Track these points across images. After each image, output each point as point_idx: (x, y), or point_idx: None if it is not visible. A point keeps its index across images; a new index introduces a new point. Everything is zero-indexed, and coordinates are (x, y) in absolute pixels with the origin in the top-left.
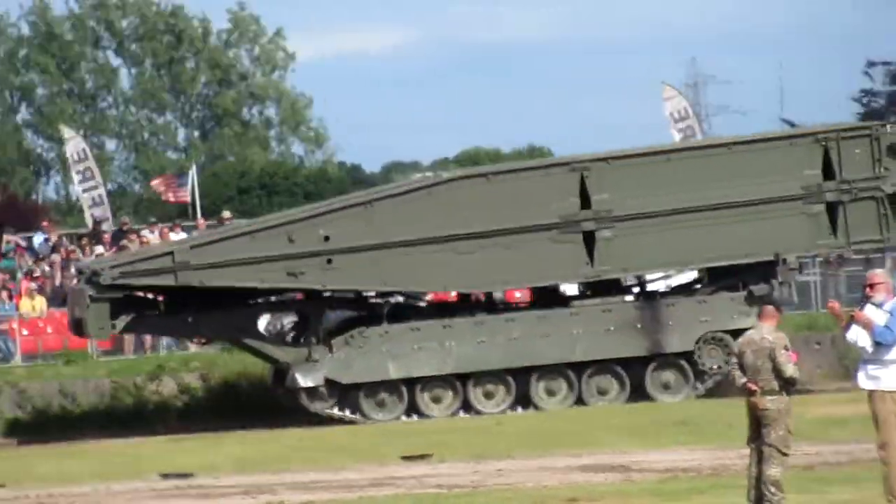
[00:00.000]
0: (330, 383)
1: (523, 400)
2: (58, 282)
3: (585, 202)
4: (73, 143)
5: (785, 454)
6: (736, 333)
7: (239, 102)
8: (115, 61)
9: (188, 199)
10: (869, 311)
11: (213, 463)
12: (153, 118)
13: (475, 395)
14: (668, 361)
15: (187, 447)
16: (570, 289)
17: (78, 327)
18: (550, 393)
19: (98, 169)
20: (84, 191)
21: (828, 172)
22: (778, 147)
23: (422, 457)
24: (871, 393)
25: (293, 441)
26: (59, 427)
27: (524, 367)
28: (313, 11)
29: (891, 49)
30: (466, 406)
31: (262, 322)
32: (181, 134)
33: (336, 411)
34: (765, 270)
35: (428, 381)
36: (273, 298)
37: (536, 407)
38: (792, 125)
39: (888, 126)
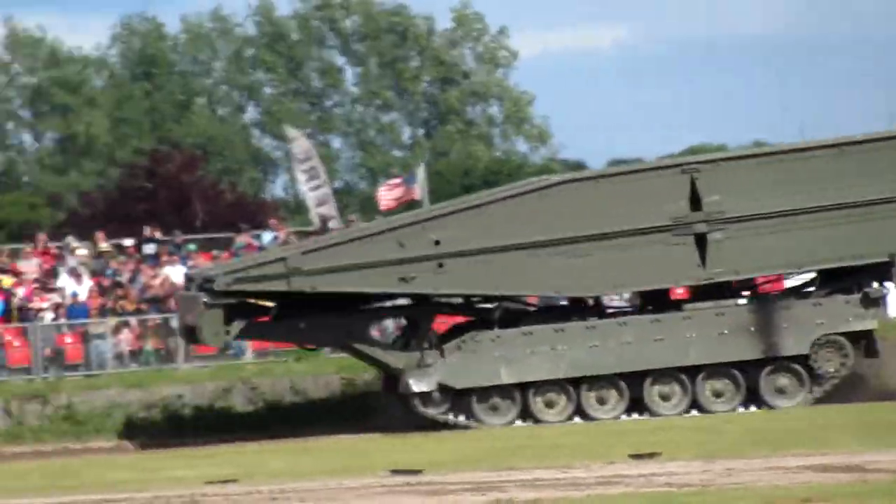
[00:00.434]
0: (443, 388)
1: (636, 404)
2: None
3: (696, 204)
4: (299, 143)
5: None
6: (851, 336)
7: (462, 100)
8: (340, 60)
9: (417, 196)
10: None
11: (441, 460)
12: (378, 116)
13: (588, 399)
14: (782, 365)
15: (415, 444)
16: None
17: (190, 334)
18: (664, 397)
19: (324, 167)
20: (310, 189)
21: None
22: (891, 146)
23: (650, 455)
24: None
25: (520, 438)
26: (290, 423)
27: (637, 372)
28: (537, 9)
29: None
30: (580, 411)
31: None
32: (406, 132)
33: (450, 417)
34: (879, 272)
35: (541, 386)
36: (383, 304)
37: (651, 412)
38: None
39: None
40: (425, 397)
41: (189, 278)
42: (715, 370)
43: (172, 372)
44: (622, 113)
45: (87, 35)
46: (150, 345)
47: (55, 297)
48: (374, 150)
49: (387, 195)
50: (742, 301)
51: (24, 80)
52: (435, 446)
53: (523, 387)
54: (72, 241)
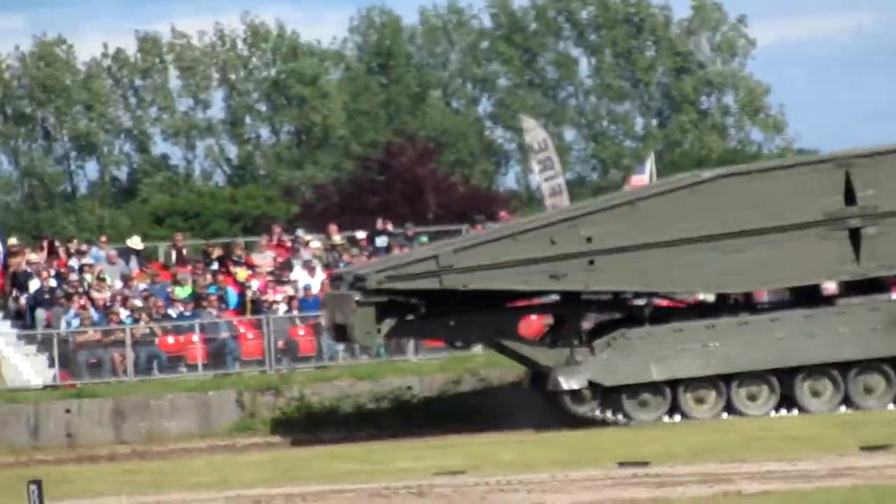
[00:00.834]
0: (592, 385)
1: (786, 401)
2: None
3: (850, 199)
4: (534, 133)
5: None
6: None
7: (697, 90)
8: (575, 51)
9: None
10: None
11: (670, 451)
12: (611, 107)
13: (738, 396)
14: None
15: (646, 435)
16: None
17: (340, 333)
18: (815, 394)
19: (558, 158)
20: (545, 180)
21: None
22: None
23: (881, 447)
24: None
25: (750, 431)
26: (520, 416)
27: (789, 368)
28: None
29: None
30: (729, 407)
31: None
32: (639, 123)
33: (598, 413)
34: None
35: (691, 382)
36: (531, 302)
37: (801, 408)
38: None
39: None
40: (575, 394)
41: (338, 277)
42: (866, 366)
43: (403, 364)
44: (859, 102)
45: (324, 28)
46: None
47: (289, 290)
48: (606, 140)
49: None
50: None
51: (262, 73)
52: (667, 438)
53: (673, 383)
54: (303, 234)
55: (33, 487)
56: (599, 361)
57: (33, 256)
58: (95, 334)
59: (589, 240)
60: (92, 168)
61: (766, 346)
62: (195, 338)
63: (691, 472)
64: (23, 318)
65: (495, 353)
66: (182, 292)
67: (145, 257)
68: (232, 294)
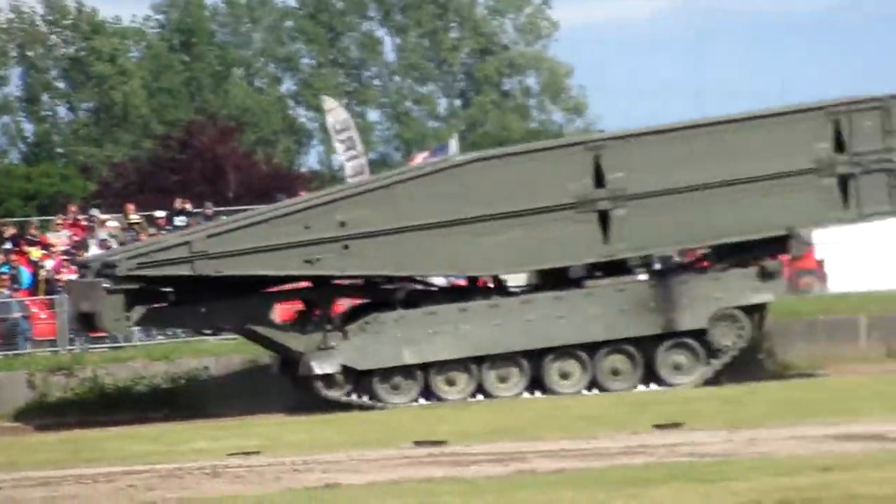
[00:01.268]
0: (345, 370)
1: (536, 383)
2: None
3: (600, 181)
4: (335, 113)
5: None
6: (748, 310)
7: (499, 71)
8: (380, 31)
9: None
10: None
11: (465, 430)
12: (415, 87)
13: (489, 378)
14: (679, 342)
15: (440, 415)
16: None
17: (87, 322)
18: (564, 375)
19: (360, 138)
20: (347, 160)
21: (839, 145)
22: (788, 121)
23: (674, 425)
24: None
25: (544, 409)
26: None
27: (538, 350)
28: None
29: None
30: (481, 389)
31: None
32: (442, 103)
33: (353, 398)
34: (775, 245)
35: (443, 365)
36: (282, 287)
37: (552, 391)
38: None
39: None
40: (328, 379)
41: (83, 265)
42: (613, 348)
43: (199, 344)
44: (659, 83)
45: (125, 5)
46: None
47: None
48: (409, 121)
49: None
50: (642, 277)
51: (60, 51)
52: (462, 417)
53: (425, 366)
54: (98, 213)
55: None
56: (352, 346)
57: None
58: None
59: (343, 224)
60: None
61: (516, 328)
62: None
63: (486, 451)
64: None
65: None
66: None
67: None
68: (25, 274)
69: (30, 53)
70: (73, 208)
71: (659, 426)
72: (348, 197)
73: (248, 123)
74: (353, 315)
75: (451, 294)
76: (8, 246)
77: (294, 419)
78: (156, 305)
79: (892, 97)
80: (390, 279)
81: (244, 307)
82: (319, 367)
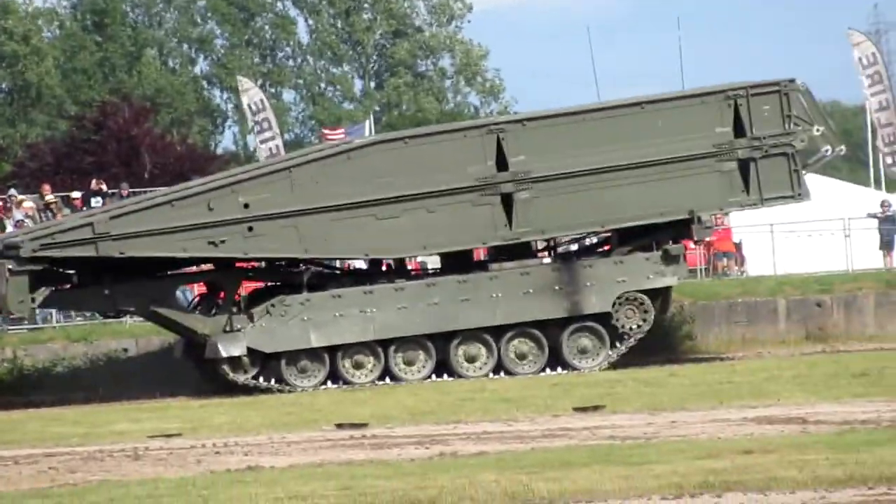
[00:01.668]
0: (251, 353)
1: (443, 367)
2: None
3: (503, 164)
4: (250, 94)
5: None
6: (652, 293)
7: (413, 53)
8: (293, 12)
9: None
10: None
11: (386, 413)
12: (329, 69)
13: (396, 361)
14: (584, 326)
15: (360, 398)
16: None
17: None
18: (470, 359)
19: (276, 119)
20: (261, 141)
21: (739, 130)
22: (689, 105)
23: (595, 408)
24: None
25: (465, 392)
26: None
27: (445, 333)
28: None
29: None
30: (388, 373)
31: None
32: (357, 85)
33: (261, 381)
34: (678, 229)
35: (349, 348)
36: (185, 270)
37: (458, 374)
38: None
39: (797, 82)
40: (234, 362)
41: None
42: (519, 332)
43: (118, 326)
44: (573, 66)
45: None
46: None
47: None
48: (324, 102)
49: None
50: (546, 260)
51: None
52: (383, 400)
53: (332, 349)
54: (17, 193)
55: None
56: (258, 328)
57: None
58: None
59: (247, 206)
60: None
61: (422, 311)
62: None
63: (408, 434)
64: None
65: None
66: None
67: None
68: None
69: None
70: None
71: (579, 409)
72: (251, 178)
73: (163, 104)
74: (257, 298)
75: (357, 277)
76: None
77: (215, 401)
78: (60, 287)
79: (791, 81)
80: (294, 262)
81: (148, 290)
82: (225, 350)
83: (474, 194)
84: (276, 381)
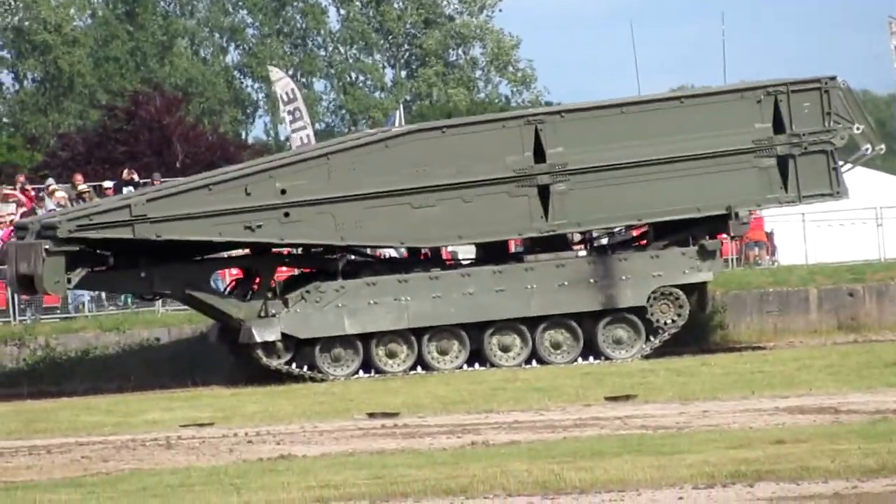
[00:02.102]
0: (286, 339)
1: (477, 356)
2: None
3: (540, 156)
4: (282, 84)
5: None
6: (687, 288)
7: (444, 43)
8: (325, 1)
9: None
10: None
11: (418, 402)
12: (360, 58)
13: (429, 350)
14: (620, 317)
15: (392, 387)
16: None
17: (25, 284)
18: (504, 349)
19: (307, 109)
20: (293, 131)
21: (778, 126)
22: (729, 100)
23: (626, 397)
24: None
25: (497, 382)
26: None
27: (479, 323)
28: None
29: None
30: (421, 362)
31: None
32: (388, 74)
33: (294, 367)
34: (714, 224)
35: (383, 336)
36: (221, 254)
37: (492, 364)
38: None
39: (838, 79)
40: (268, 347)
41: (22, 227)
42: (554, 322)
43: (150, 315)
44: (605, 55)
45: None
46: None
47: None
48: (355, 91)
49: None
50: (582, 253)
51: (5, 20)
52: (415, 389)
53: (366, 338)
54: (53, 182)
55: None
56: (293, 314)
57: None
58: None
59: (283, 192)
60: None
61: (457, 300)
62: None
63: (439, 423)
64: None
65: None
66: None
67: None
68: None
69: None
70: (20, 178)
71: (611, 398)
72: (289, 164)
73: (194, 94)
74: (292, 284)
75: (392, 265)
76: None
77: (247, 390)
78: (96, 269)
79: (832, 79)
80: (330, 249)
81: (184, 273)
82: (260, 335)
83: (511, 185)
84: (308, 368)
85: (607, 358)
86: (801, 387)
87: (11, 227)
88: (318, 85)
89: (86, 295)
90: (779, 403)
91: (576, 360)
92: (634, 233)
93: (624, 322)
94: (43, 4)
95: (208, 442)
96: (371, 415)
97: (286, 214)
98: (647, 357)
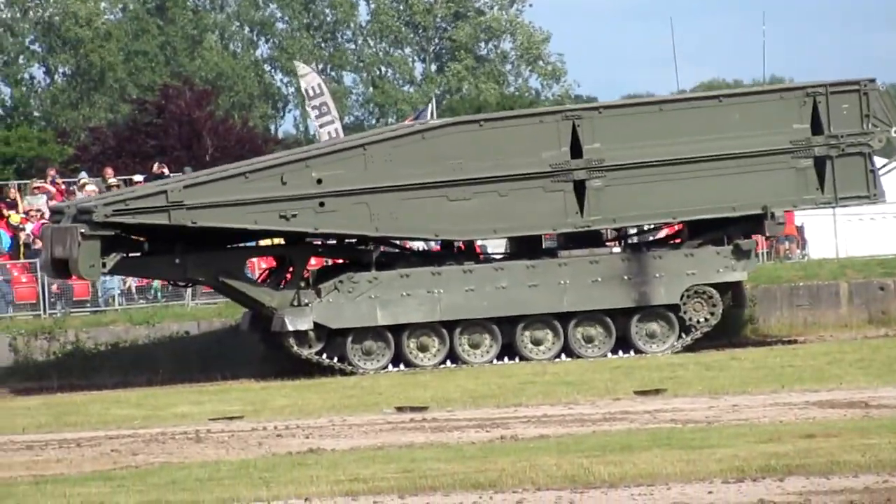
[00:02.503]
0: (318, 329)
1: (508, 349)
2: None
3: (577, 151)
4: (309, 79)
5: None
6: (720, 287)
7: (474, 36)
8: None
9: None
10: None
11: (447, 396)
12: (390, 51)
13: (461, 343)
14: (653, 311)
15: (422, 381)
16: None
17: (60, 268)
18: (536, 342)
19: (334, 103)
20: (321, 125)
21: (816, 127)
22: (767, 100)
23: (656, 392)
24: None
25: (526, 376)
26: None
27: (511, 317)
28: None
29: None
30: (452, 356)
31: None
32: (418, 68)
33: (325, 358)
34: (749, 224)
35: (415, 329)
36: (250, 243)
37: (524, 357)
38: None
39: (877, 82)
40: (300, 337)
41: (58, 211)
42: (587, 316)
43: (180, 309)
44: (635, 48)
45: None
46: (158, 281)
47: None
48: (385, 85)
49: None
50: (616, 250)
51: (37, 14)
52: (443, 383)
53: (397, 330)
54: (83, 176)
55: None
56: (326, 304)
57: None
58: None
59: (319, 181)
60: None
61: (490, 294)
62: None
63: (468, 417)
64: None
65: None
66: None
67: None
68: (5, 237)
69: (6, 16)
70: (51, 172)
71: (640, 392)
72: (325, 154)
73: (224, 88)
74: (325, 274)
75: (426, 258)
76: None
77: (276, 384)
78: (131, 254)
79: (871, 81)
80: (364, 240)
81: (219, 260)
82: (292, 324)
83: (547, 180)
84: (339, 360)
85: (639, 352)
86: (832, 381)
87: (43, 221)
88: (348, 78)
89: (116, 288)
90: (809, 398)
91: (607, 355)
92: (667, 231)
93: (658, 317)
94: None
95: (237, 435)
96: (400, 408)
97: (321, 204)
98: (676, 352)
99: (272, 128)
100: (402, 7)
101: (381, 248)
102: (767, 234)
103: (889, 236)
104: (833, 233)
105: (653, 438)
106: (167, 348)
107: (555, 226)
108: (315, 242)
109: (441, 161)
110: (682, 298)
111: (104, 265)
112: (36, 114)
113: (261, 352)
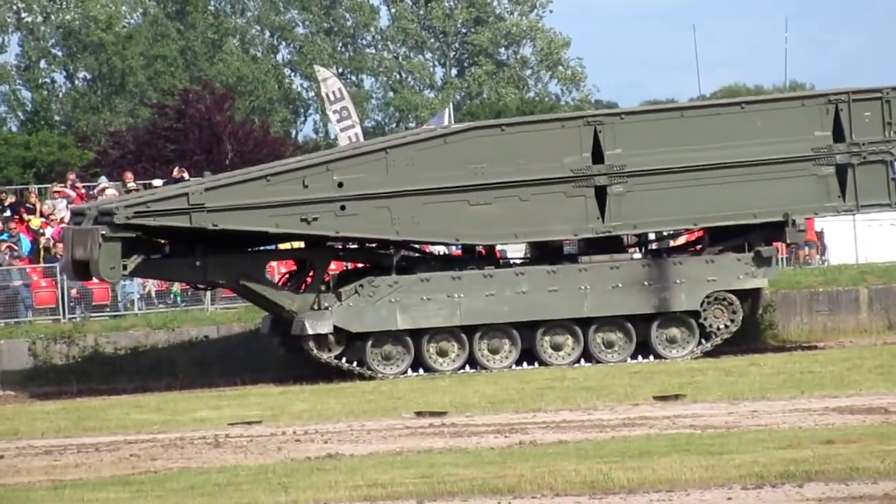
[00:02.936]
0: (338, 333)
1: (527, 354)
2: None
3: (598, 157)
4: (329, 83)
5: None
6: (741, 294)
7: (495, 42)
8: (375, 0)
9: None
10: None
11: (466, 401)
12: (410, 56)
13: (480, 348)
14: (673, 317)
15: (440, 386)
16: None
17: (80, 269)
18: (556, 347)
19: (354, 108)
20: (341, 130)
21: (838, 135)
22: (789, 107)
23: (675, 397)
24: None
25: (545, 381)
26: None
27: (531, 322)
28: None
29: None
30: (472, 361)
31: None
32: (438, 72)
33: (344, 362)
34: (770, 231)
35: (435, 334)
36: (270, 246)
37: (544, 363)
38: None
39: None
40: (320, 340)
41: (78, 213)
42: (607, 321)
43: (199, 313)
44: (655, 54)
45: None
46: (177, 286)
47: None
48: (405, 90)
49: None
50: (637, 255)
51: (58, 18)
52: (462, 388)
53: (417, 335)
54: (106, 180)
55: None
56: (346, 308)
57: None
58: None
59: (341, 185)
60: None
61: (510, 299)
62: None
63: (487, 423)
64: None
65: None
66: None
67: None
68: (25, 241)
69: (27, 20)
70: (71, 176)
71: (660, 398)
72: (347, 158)
73: (244, 92)
74: (346, 278)
75: (446, 262)
76: (7, 214)
77: (295, 389)
78: (151, 256)
79: (893, 89)
80: (384, 244)
81: (239, 263)
82: (312, 328)
83: (568, 185)
84: (358, 364)
85: (659, 357)
86: (851, 387)
87: (63, 225)
88: (368, 83)
89: (135, 293)
90: (828, 403)
91: (627, 360)
92: (687, 237)
93: (679, 322)
94: (93, 2)
95: (256, 440)
96: (419, 414)
97: (343, 208)
98: (696, 357)
99: (292, 132)
100: (422, 12)
101: (402, 252)
102: (788, 242)
103: None
104: (853, 238)
105: (672, 444)
106: (186, 353)
107: (576, 231)
108: (336, 246)
109: (463, 165)
110: (702, 305)
111: (125, 267)
112: (56, 118)
113: (280, 356)
